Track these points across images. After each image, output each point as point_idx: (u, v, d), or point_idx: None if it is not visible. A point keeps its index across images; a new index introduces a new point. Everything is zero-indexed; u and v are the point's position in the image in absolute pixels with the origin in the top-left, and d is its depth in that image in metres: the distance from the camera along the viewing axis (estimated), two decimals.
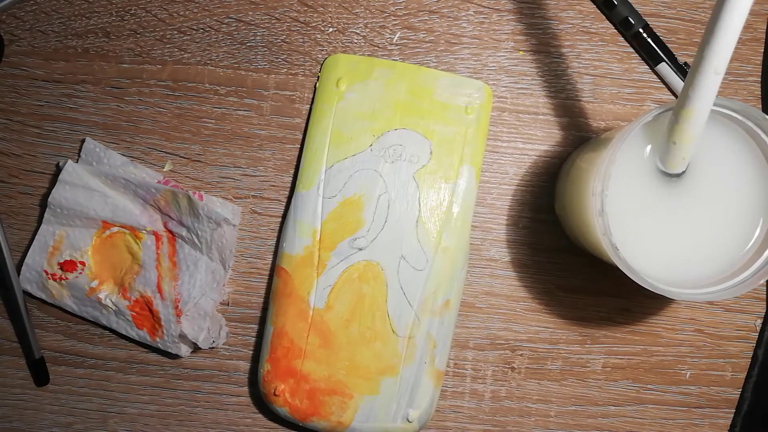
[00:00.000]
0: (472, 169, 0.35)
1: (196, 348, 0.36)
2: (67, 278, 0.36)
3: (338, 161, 0.35)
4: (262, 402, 0.37)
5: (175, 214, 0.35)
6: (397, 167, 0.35)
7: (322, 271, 0.34)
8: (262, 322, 0.37)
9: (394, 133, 0.35)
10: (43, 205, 0.37)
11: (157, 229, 0.36)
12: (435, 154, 0.35)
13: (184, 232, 0.35)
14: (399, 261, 0.34)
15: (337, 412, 0.34)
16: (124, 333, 0.36)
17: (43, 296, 0.36)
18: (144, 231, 0.36)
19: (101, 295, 0.35)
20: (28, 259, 0.36)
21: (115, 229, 0.36)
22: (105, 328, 0.37)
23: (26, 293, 0.37)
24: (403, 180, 0.35)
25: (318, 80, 0.36)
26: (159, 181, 0.36)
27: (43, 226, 0.36)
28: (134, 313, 0.35)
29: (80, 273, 0.36)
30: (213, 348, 0.36)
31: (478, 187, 0.35)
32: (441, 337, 0.34)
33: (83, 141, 0.36)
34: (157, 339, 0.35)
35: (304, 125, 0.36)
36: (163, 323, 0.35)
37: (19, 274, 0.36)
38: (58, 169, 0.36)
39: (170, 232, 0.36)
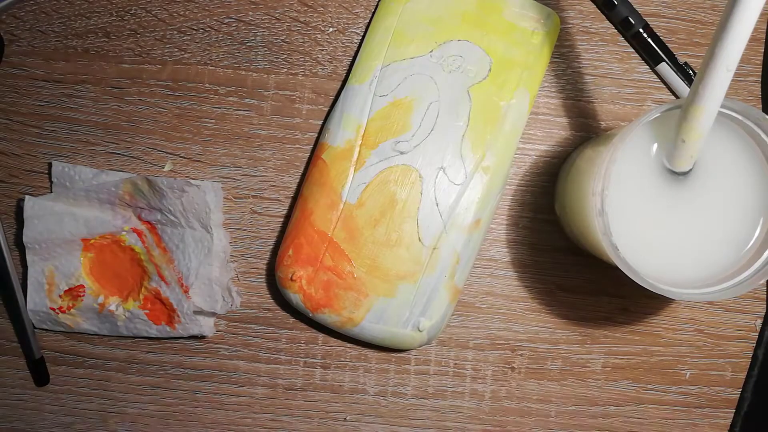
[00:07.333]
0: (528, 94, 0.34)
1: (216, 320, 0.36)
2: (74, 306, 0.36)
3: (395, 61, 0.34)
4: (266, 399, 0.37)
5: (142, 202, 0.35)
6: (453, 78, 0.34)
7: (360, 167, 0.34)
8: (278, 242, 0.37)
9: (456, 43, 0.34)
10: None
11: (134, 224, 0.36)
12: (493, 72, 0.34)
13: (159, 216, 0.35)
14: (438, 172, 0.34)
15: (350, 308, 0.34)
16: (145, 335, 0.36)
17: (62, 329, 0.37)
18: (123, 232, 0.36)
19: (112, 307, 0.35)
20: (29, 305, 0.36)
21: (97, 242, 0.36)
22: (128, 337, 0.37)
23: (45, 330, 0.37)
24: (457, 92, 0.34)
25: None
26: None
27: (29, 269, 0.36)
28: (147, 311, 0.35)
29: (83, 295, 0.36)
30: (232, 312, 0.36)
31: (529, 114, 0.35)
32: (466, 254, 0.34)
33: (50, 165, 0.36)
34: (177, 326, 0.35)
35: (305, 124, 0.36)
36: (176, 307, 0.35)
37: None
38: (20, 209, 0.36)
39: (147, 222, 0.36)
